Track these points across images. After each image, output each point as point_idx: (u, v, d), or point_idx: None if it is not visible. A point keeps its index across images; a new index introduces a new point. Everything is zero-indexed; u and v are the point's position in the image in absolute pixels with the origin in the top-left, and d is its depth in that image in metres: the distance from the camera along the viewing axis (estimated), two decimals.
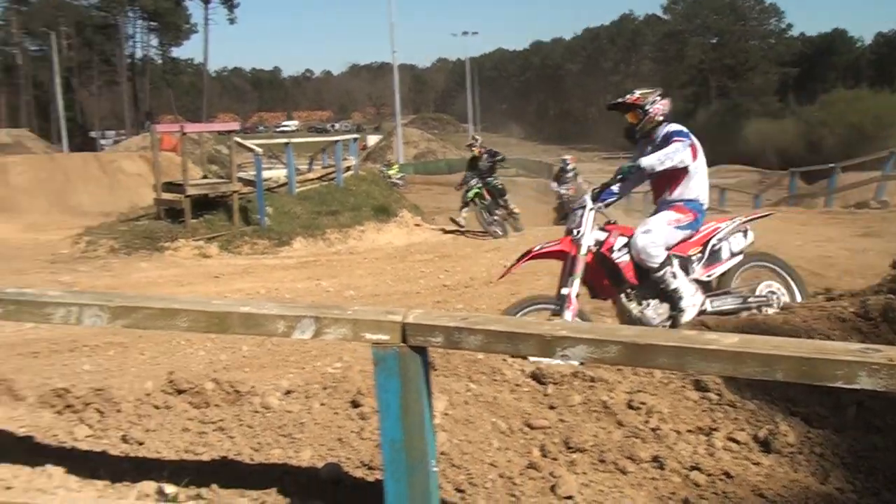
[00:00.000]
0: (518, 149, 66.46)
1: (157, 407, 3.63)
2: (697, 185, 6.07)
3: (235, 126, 20.40)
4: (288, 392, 3.78)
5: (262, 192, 16.69)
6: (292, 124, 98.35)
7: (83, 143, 67.65)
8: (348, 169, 22.14)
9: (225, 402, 3.70)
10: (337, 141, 22.12)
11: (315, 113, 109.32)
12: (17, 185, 34.58)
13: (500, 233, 18.09)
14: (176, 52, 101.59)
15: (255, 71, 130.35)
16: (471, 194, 18.75)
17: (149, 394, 3.77)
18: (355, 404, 3.58)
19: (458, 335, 2.63)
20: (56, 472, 3.17)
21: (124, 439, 3.39)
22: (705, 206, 6.15)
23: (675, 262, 5.94)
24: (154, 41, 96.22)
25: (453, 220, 19.68)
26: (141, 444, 3.37)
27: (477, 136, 20.95)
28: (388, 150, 63.19)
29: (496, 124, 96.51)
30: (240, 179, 17.35)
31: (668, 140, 5.93)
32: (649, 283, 5.89)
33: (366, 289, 11.24)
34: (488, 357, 4.01)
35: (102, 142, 69.42)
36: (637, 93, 6.26)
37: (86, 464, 3.23)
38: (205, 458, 3.30)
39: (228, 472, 3.19)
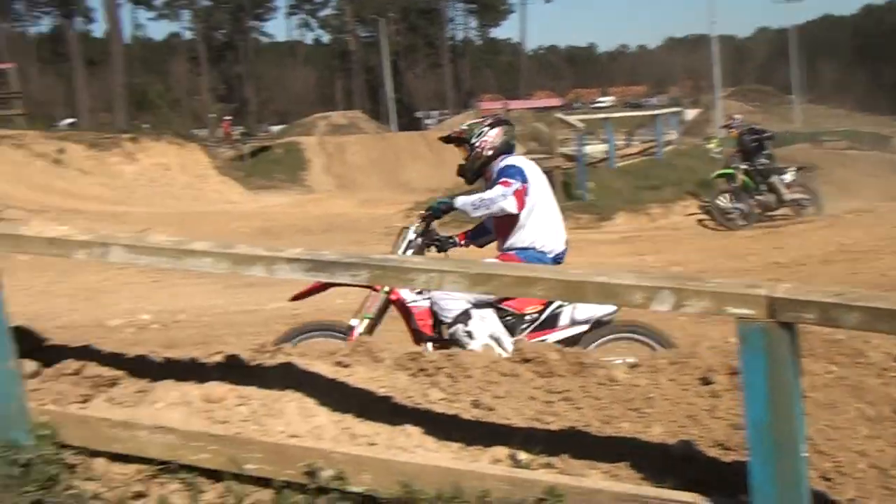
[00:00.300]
0: (847, 121, 61.85)
1: (504, 374, 3.70)
2: (533, 232, 5.21)
3: (556, 102, 20.73)
4: (633, 366, 3.72)
5: (583, 167, 16.79)
6: (608, 100, 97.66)
7: (409, 122, 71.36)
8: (669, 143, 21.73)
9: (569, 373, 3.70)
10: (657, 115, 21.80)
11: (630, 88, 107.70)
12: (352, 163, 37.35)
13: (742, 222, 15.17)
14: (494, 33, 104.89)
15: (570, 48, 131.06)
16: (713, 176, 16.28)
17: (495, 361, 3.85)
18: (705, 381, 3.45)
19: (834, 312, 2.43)
20: (414, 431, 3.32)
21: (475, 404, 3.48)
22: (551, 252, 5.28)
23: (484, 318, 4.96)
24: (473, 23, 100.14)
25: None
26: (491, 409, 3.44)
27: (736, 116, 19.09)
28: (705, 125, 61.25)
29: (823, 95, 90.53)
30: (561, 155, 17.55)
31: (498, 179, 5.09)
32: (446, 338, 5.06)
33: (692, 265, 10.95)
34: (850, 338, 3.72)
35: (427, 121, 72.82)
36: (465, 125, 5.48)
37: (440, 426, 3.35)
38: (553, 427, 3.31)
39: (577, 443, 3.18)
